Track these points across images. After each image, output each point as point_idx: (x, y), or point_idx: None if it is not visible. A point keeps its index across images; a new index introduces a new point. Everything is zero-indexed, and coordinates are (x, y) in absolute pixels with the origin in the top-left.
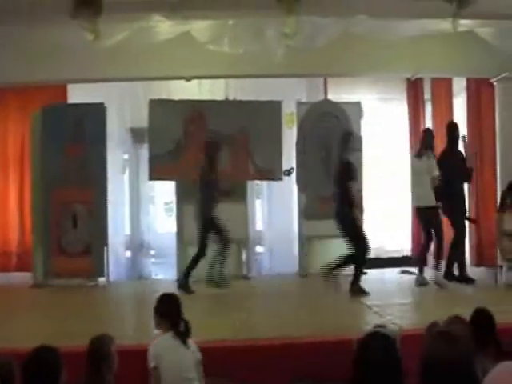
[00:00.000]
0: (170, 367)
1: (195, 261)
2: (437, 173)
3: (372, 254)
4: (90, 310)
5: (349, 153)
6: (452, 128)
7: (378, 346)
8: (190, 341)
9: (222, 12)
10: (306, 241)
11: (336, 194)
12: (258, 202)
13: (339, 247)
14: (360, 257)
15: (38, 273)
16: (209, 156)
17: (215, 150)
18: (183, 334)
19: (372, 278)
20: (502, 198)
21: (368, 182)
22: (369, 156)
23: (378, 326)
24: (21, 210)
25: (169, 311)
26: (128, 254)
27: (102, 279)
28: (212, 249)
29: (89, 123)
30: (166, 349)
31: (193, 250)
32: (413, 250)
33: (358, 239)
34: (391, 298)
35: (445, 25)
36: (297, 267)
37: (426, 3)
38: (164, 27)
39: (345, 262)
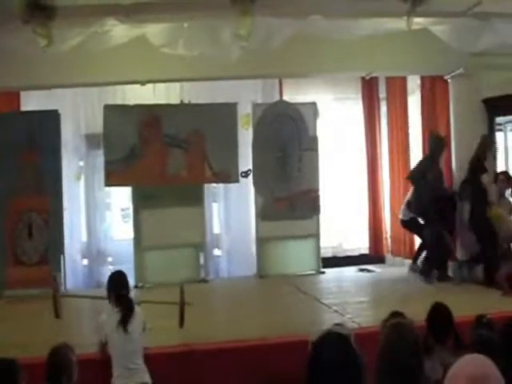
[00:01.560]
0: None
1: None
2: None
3: (330, 253)
4: (47, 320)
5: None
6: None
7: (332, 345)
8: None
9: (176, 15)
10: (263, 242)
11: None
12: (214, 205)
13: (295, 247)
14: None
15: None
16: None
17: None
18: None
19: (331, 276)
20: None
21: (324, 181)
22: (325, 156)
23: (336, 324)
24: None
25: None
26: (85, 261)
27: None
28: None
29: (43, 130)
30: None
31: (150, 256)
32: (370, 248)
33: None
34: (350, 296)
35: (399, 23)
36: (255, 269)
37: (380, 2)
38: (118, 31)
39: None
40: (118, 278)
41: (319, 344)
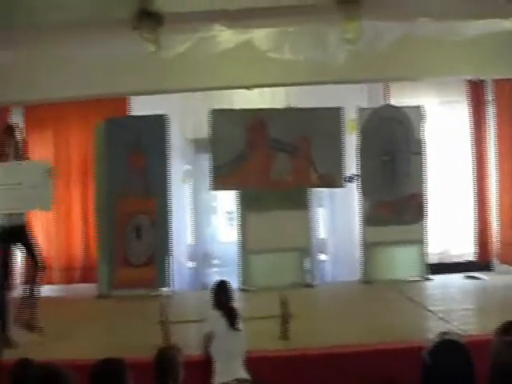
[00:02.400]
0: None
1: None
2: None
3: (436, 259)
4: (154, 321)
5: None
6: None
7: (451, 354)
8: None
9: (282, 19)
10: (368, 247)
11: None
12: (320, 210)
13: (401, 253)
14: None
15: (102, 284)
16: None
17: None
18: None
19: (437, 283)
20: None
21: (431, 185)
22: (430, 160)
23: (443, 333)
24: (85, 222)
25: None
26: (191, 263)
27: (165, 289)
28: None
29: (151, 134)
30: None
31: (255, 259)
32: (477, 254)
33: None
34: (456, 303)
35: (507, 24)
36: (360, 274)
37: (488, 3)
38: (225, 36)
39: None
40: (223, 287)
41: (437, 352)
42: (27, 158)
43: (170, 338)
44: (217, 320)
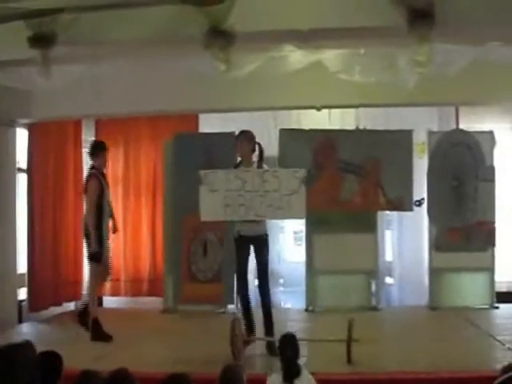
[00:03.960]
0: None
1: None
2: None
3: (505, 288)
4: (219, 337)
5: None
6: None
7: None
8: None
9: (353, 41)
10: (435, 273)
11: None
12: (388, 233)
13: (469, 280)
14: None
15: (168, 298)
16: None
17: None
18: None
19: (505, 312)
20: None
21: (501, 213)
22: (501, 186)
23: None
24: (153, 237)
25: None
26: (256, 282)
27: (231, 306)
28: None
29: (220, 152)
30: None
31: (321, 280)
32: None
33: None
34: None
35: None
36: (427, 300)
37: None
38: (295, 57)
39: None
40: (289, 340)
41: None
42: None
43: (241, 356)
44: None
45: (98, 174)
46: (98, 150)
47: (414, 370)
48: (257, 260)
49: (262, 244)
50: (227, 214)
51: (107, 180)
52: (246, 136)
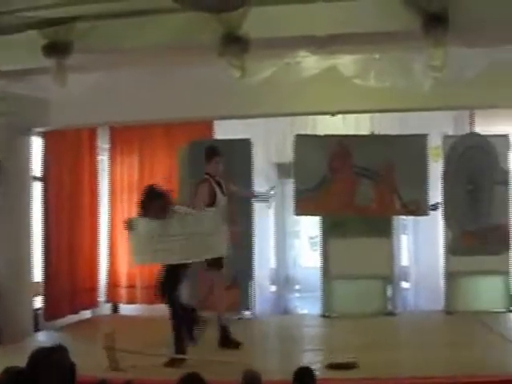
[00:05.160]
0: None
1: None
2: None
3: None
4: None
5: None
6: None
7: None
8: None
9: (368, 46)
10: (451, 277)
11: None
12: (403, 237)
13: (485, 284)
14: None
15: None
16: None
17: None
18: None
19: None
20: None
21: None
22: None
23: None
24: None
25: None
26: (273, 288)
27: (247, 313)
28: None
29: (235, 158)
30: None
31: (337, 285)
32: None
33: None
34: None
35: None
36: (443, 304)
37: None
38: (310, 62)
39: None
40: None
41: None
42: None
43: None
44: None
45: (210, 179)
46: (209, 155)
47: (431, 375)
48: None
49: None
50: (155, 258)
51: (222, 187)
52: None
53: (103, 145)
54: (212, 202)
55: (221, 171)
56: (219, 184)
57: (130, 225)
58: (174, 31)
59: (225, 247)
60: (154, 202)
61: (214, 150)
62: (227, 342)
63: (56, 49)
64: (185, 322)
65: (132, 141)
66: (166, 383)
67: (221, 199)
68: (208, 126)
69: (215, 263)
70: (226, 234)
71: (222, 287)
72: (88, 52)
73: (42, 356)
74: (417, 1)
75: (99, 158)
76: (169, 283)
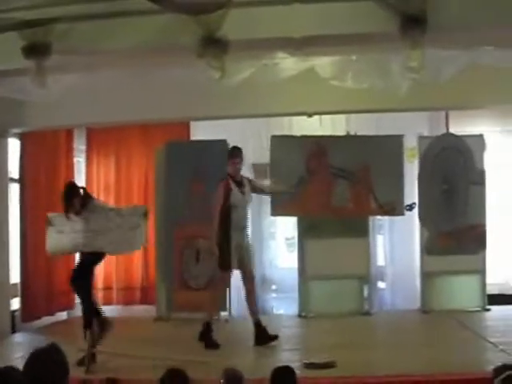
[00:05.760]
0: None
1: None
2: None
3: (496, 290)
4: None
5: None
6: None
7: None
8: None
9: (345, 47)
10: (427, 277)
11: None
12: (379, 237)
13: (461, 283)
14: None
15: (161, 306)
16: None
17: None
18: None
19: (496, 314)
20: None
21: (492, 216)
22: (491, 190)
23: (505, 365)
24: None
25: None
26: None
27: (223, 313)
28: None
29: (211, 159)
30: None
31: (313, 286)
32: None
33: None
34: None
35: None
36: (419, 303)
37: None
38: (288, 64)
39: None
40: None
41: None
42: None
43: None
44: None
45: (228, 179)
46: (228, 156)
47: (408, 373)
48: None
49: None
50: (72, 250)
51: (244, 187)
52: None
53: (80, 146)
54: (226, 202)
55: (238, 172)
56: (240, 184)
57: (48, 221)
58: (153, 33)
59: (142, 242)
60: (74, 199)
61: (232, 152)
62: (208, 341)
63: (35, 50)
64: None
65: (109, 142)
66: (147, 382)
67: (239, 199)
68: (185, 126)
69: (222, 264)
70: (145, 229)
71: (221, 288)
72: (67, 53)
73: (43, 355)
74: (394, 2)
75: (76, 159)
76: (82, 275)
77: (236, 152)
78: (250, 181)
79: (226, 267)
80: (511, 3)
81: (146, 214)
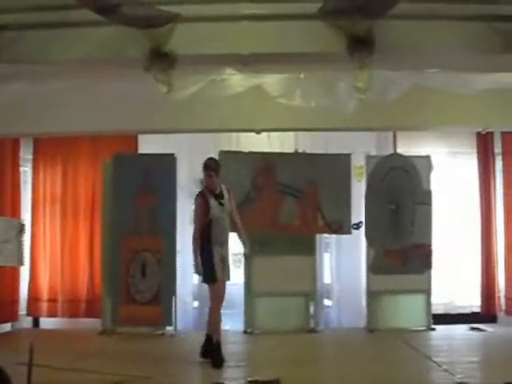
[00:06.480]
0: None
1: None
2: None
3: (441, 310)
4: (155, 359)
5: None
6: None
7: None
8: None
9: (293, 66)
10: (373, 295)
11: None
12: (326, 255)
13: (406, 302)
14: None
15: (106, 320)
16: None
17: None
18: None
19: (441, 333)
20: None
21: (437, 236)
22: (437, 210)
23: None
24: (91, 257)
25: None
26: (196, 303)
27: (169, 328)
28: None
29: (159, 173)
30: None
31: (260, 302)
32: (482, 306)
33: None
34: (461, 355)
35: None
36: (365, 322)
37: (498, 57)
38: (236, 80)
39: None
40: None
41: None
42: None
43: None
44: None
45: (205, 192)
46: (203, 169)
47: None
48: None
49: None
50: None
51: (223, 199)
52: None
53: (26, 156)
54: (205, 214)
55: (213, 184)
56: (218, 196)
57: None
58: (101, 44)
59: (21, 257)
60: None
61: (205, 163)
62: (212, 354)
63: None
64: None
65: (56, 152)
66: None
67: (217, 212)
68: (133, 140)
69: (206, 278)
70: (22, 244)
71: (214, 302)
72: (14, 62)
73: None
74: (342, 23)
75: (22, 169)
76: None
77: (208, 163)
78: (229, 190)
79: (211, 280)
80: (456, 27)
81: (21, 231)
